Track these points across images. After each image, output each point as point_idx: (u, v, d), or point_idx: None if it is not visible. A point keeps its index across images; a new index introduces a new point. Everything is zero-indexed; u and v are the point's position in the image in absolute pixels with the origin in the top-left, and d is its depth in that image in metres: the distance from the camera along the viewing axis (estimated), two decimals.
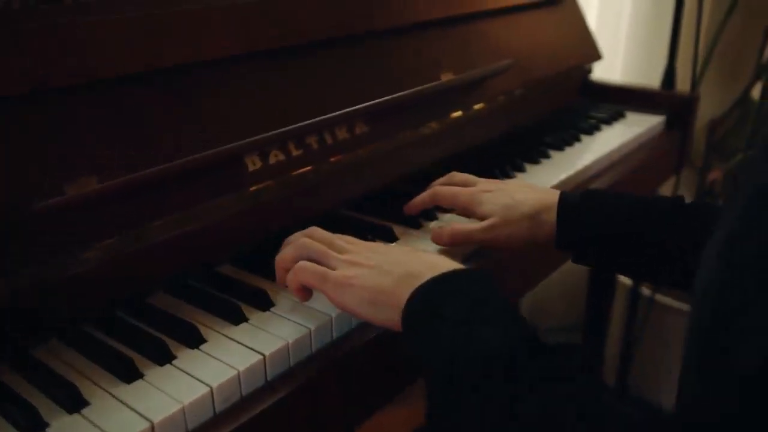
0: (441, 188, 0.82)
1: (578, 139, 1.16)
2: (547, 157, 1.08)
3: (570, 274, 1.53)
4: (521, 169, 1.02)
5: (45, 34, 0.63)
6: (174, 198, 0.70)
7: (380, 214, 0.87)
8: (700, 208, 0.74)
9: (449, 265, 0.59)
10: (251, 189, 0.77)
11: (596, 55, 1.42)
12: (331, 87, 0.87)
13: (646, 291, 1.65)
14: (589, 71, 1.45)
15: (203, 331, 0.63)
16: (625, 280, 1.71)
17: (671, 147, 1.30)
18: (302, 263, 0.64)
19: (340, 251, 0.65)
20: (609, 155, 1.13)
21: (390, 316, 0.58)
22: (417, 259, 0.60)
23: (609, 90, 1.41)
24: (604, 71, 1.55)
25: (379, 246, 0.67)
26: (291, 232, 0.81)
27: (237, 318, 0.65)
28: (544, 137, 1.15)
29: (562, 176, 1.01)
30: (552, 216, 0.75)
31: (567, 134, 1.16)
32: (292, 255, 0.66)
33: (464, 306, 0.53)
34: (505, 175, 1.00)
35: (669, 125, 1.31)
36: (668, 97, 1.33)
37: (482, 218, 0.77)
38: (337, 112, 0.84)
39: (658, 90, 1.37)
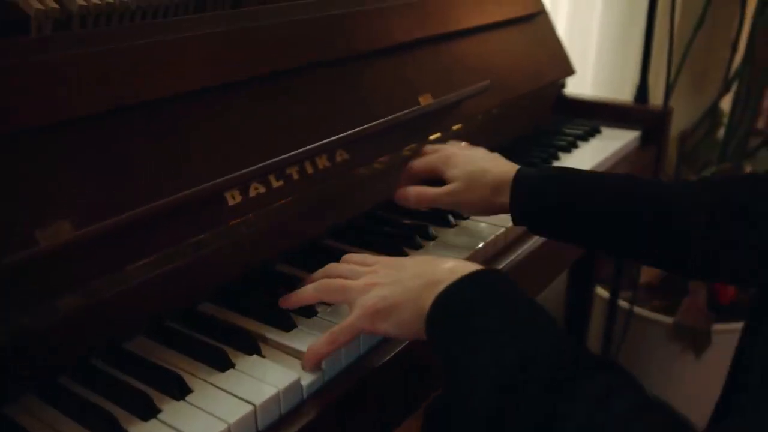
0: (414, 162, 0.88)
1: (556, 158, 1.16)
2: None
3: (549, 288, 1.52)
4: None
5: (11, 71, 0.60)
6: (152, 239, 0.67)
7: (364, 243, 0.85)
8: (652, 183, 0.78)
9: (468, 267, 0.59)
10: (231, 223, 0.74)
11: (569, 70, 1.42)
12: (310, 116, 0.85)
13: (624, 303, 1.66)
14: (563, 86, 1.45)
15: (188, 379, 0.60)
16: (603, 292, 1.71)
17: (647, 161, 1.31)
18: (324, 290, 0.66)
19: (358, 276, 0.65)
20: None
21: (416, 328, 0.58)
22: (435, 267, 0.60)
23: (582, 105, 1.41)
24: (575, 86, 1.56)
25: (395, 261, 0.66)
26: (273, 265, 0.80)
27: (223, 364, 0.62)
28: (522, 156, 1.14)
29: None
30: (507, 188, 0.79)
31: (545, 152, 1.15)
32: (311, 295, 0.67)
33: (495, 307, 0.54)
34: None
35: (644, 140, 1.31)
36: (642, 111, 1.34)
37: (449, 181, 0.83)
38: (318, 143, 0.82)
39: (632, 104, 1.38)
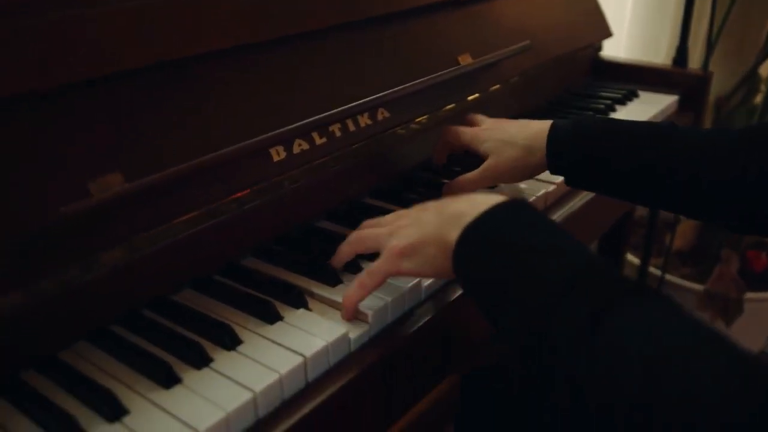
0: (450, 126, 0.87)
1: None
2: None
3: None
4: None
5: (53, 26, 0.60)
6: (198, 193, 0.67)
7: (404, 202, 0.85)
8: (692, 132, 0.74)
9: (490, 200, 0.57)
10: (275, 179, 0.75)
11: (607, 33, 1.40)
12: (352, 74, 0.84)
13: (654, 270, 1.65)
14: (599, 49, 1.43)
15: (238, 331, 0.61)
16: (633, 258, 1.70)
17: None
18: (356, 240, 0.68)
19: (387, 225, 0.66)
20: None
21: (441, 263, 0.58)
22: (456, 203, 0.60)
23: (620, 68, 1.39)
24: (609, 48, 1.53)
25: (421, 205, 0.66)
26: (316, 222, 0.81)
27: (272, 317, 0.63)
28: (557, 116, 1.13)
29: None
30: (543, 143, 0.78)
31: (579, 115, 1.14)
32: (347, 252, 0.68)
33: (524, 233, 0.53)
34: None
35: (682, 104, 1.29)
36: (682, 75, 1.32)
37: (483, 155, 0.82)
38: (359, 101, 0.82)
39: (671, 68, 1.35)
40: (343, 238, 0.71)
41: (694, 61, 1.39)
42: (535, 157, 0.79)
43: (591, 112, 1.15)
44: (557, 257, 0.50)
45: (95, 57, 0.62)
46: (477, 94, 1.04)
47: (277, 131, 0.72)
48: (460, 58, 1.01)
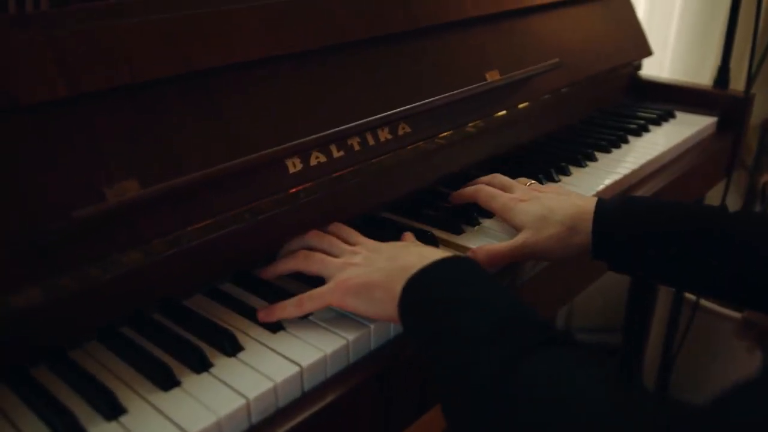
0: (483, 187, 0.84)
1: (625, 141, 1.12)
2: (593, 159, 1.05)
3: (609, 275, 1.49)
4: (566, 173, 0.99)
5: (80, 37, 0.62)
6: (213, 201, 0.69)
7: (422, 218, 0.85)
8: (744, 217, 0.72)
9: (437, 254, 0.62)
10: (291, 191, 0.76)
11: (646, 51, 1.38)
12: (374, 87, 0.85)
13: (690, 295, 1.60)
14: (638, 67, 1.41)
15: (240, 338, 0.63)
16: None
17: (723, 149, 1.26)
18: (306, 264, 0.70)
19: (340, 254, 0.69)
20: (657, 158, 1.09)
21: (387, 310, 0.61)
22: (409, 253, 0.63)
23: (658, 87, 1.36)
24: (652, 67, 1.50)
25: (375, 244, 0.70)
26: None
27: (274, 326, 0.64)
28: (589, 139, 1.12)
29: (608, 181, 0.97)
30: (587, 224, 0.73)
31: (613, 135, 1.12)
32: (290, 266, 0.71)
33: (465, 284, 0.57)
34: (549, 178, 0.97)
35: (721, 126, 1.26)
36: (722, 96, 1.28)
37: (517, 228, 0.77)
38: (379, 115, 0.82)
39: (710, 89, 1.32)
40: None
41: (738, 84, 1.35)
42: (578, 237, 0.73)
43: (622, 132, 1.14)
44: (481, 310, 0.54)
45: (121, 67, 0.64)
46: (504, 111, 1.04)
47: (293, 143, 0.73)
48: (488, 75, 1.01)
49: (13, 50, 0.58)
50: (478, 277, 0.59)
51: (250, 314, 0.66)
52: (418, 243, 0.73)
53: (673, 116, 1.25)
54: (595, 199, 0.76)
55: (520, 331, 0.51)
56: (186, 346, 0.61)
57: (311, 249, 0.72)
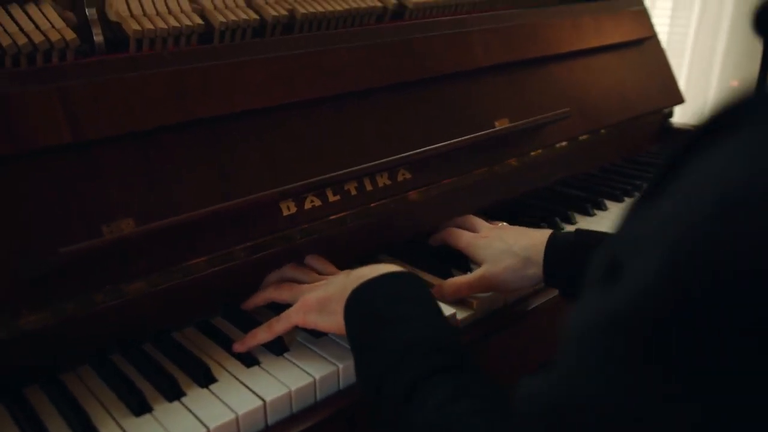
0: (451, 229, 0.88)
1: (640, 190, 1.12)
2: (602, 208, 1.05)
3: None
4: (570, 221, 1.00)
5: (89, 88, 0.69)
6: (206, 240, 0.74)
7: (415, 261, 0.88)
8: None
9: (387, 268, 0.65)
10: (284, 232, 0.80)
11: (677, 99, 1.37)
12: (375, 134, 0.89)
13: None
14: (670, 114, 1.40)
15: (215, 370, 0.67)
16: None
17: None
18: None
19: (311, 282, 0.74)
20: None
21: (339, 321, 0.64)
22: (363, 268, 0.67)
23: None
24: (694, 115, 1.49)
25: (341, 273, 0.73)
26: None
27: (250, 361, 0.68)
28: (603, 187, 1.12)
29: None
30: (540, 256, 0.77)
31: (629, 185, 1.12)
32: (265, 297, 0.77)
33: (389, 304, 0.61)
34: (553, 226, 0.98)
35: None
36: None
37: (479, 262, 0.82)
38: (378, 161, 0.86)
39: None
40: None
41: None
42: (531, 269, 0.77)
43: (639, 182, 1.14)
44: (403, 330, 0.58)
45: (125, 116, 0.71)
46: (514, 159, 1.06)
47: (284, 187, 0.78)
48: (497, 122, 1.03)
49: (26, 100, 0.66)
50: (415, 294, 0.62)
51: (230, 347, 0.70)
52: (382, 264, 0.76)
53: None
54: (550, 232, 0.79)
55: (426, 355, 0.54)
56: (163, 375, 0.66)
57: (288, 280, 0.77)
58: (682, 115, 1.42)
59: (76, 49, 0.78)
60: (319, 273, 0.77)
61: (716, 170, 0.32)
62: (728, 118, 0.33)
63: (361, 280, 0.64)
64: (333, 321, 0.65)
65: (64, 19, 0.79)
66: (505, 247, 0.79)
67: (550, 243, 0.77)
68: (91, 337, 0.69)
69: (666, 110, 1.37)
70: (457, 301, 0.79)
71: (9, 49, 0.73)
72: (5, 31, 0.74)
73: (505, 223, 0.89)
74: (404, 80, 0.94)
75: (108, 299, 0.69)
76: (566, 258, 0.75)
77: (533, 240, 0.78)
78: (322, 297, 0.67)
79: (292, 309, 0.69)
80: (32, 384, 0.66)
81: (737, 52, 1.65)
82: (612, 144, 1.26)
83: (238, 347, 0.69)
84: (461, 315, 0.77)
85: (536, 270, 0.77)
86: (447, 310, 0.75)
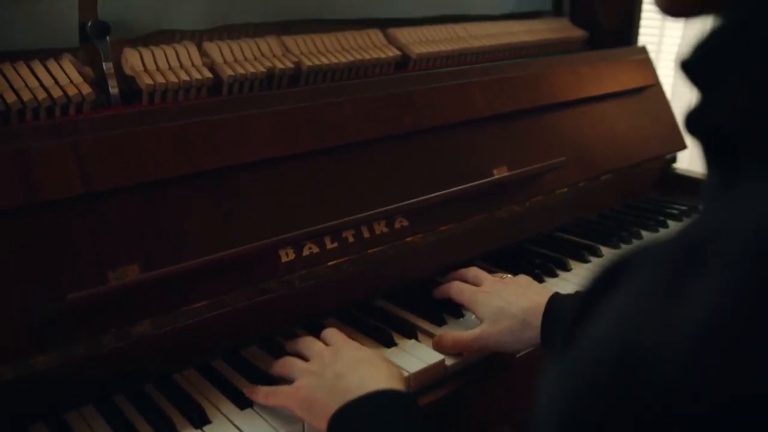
0: (454, 282, 0.89)
1: (638, 237, 1.14)
2: (598, 255, 1.08)
3: None
4: (566, 268, 1.03)
5: (101, 142, 0.74)
6: (208, 285, 0.78)
7: (411, 307, 0.91)
8: None
9: (377, 384, 0.64)
10: (283, 279, 0.84)
11: (679, 145, 1.39)
12: (372, 183, 0.93)
13: None
14: (673, 160, 1.42)
15: (211, 411, 0.70)
16: None
17: None
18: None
19: (310, 356, 0.74)
20: None
21: (321, 427, 0.65)
22: (356, 372, 0.67)
23: (690, 182, 1.37)
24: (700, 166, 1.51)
25: (336, 352, 0.73)
26: (322, 320, 0.89)
27: (244, 403, 0.71)
28: (600, 233, 1.14)
29: None
30: (538, 319, 0.77)
31: (626, 231, 1.14)
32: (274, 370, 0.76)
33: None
34: (549, 273, 1.01)
35: None
36: None
37: (480, 319, 0.82)
38: (375, 210, 0.90)
39: None
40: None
41: None
42: (528, 332, 0.78)
43: (637, 228, 1.16)
44: None
45: (133, 168, 0.75)
46: (513, 205, 1.09)
47: (283, 236, 0.82)
48: (496, 171, 1.07)
49: (42, 155, 0.70)
50: (399, 420, 0.61)
51: (227, 390, 0.74)
52: (369, 355, 0.73)
53: (698, 212, 1.26)
54: (551, 292, 0.80)
55: None
56: (161, 417, 0.69)
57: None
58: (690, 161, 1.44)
59: (93, 101, 0.83)
60: (324, 342, 0.77)
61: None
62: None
63: (348, 396, 0.63)
64: (315, 421, 0.66)
65: (81, 74, 0.84)
66: (504, 306, 0.80)
67: (548, 307, 0.77)
68: (95, 378, 0.73)
69: (668, 156, 1.40)
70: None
71: (29, 103, 0.79)
72: (26, 86, 0.80)
73: (509, 276, 0.90)
74: (404, 131, 0.98)
75: (113, 341, 0.73)
76: (562, 321, 0.76)
77: (532, 302, 0.79)
78: (310, 397, 0.67)
79: (286, 392, 0.69)
80: (38, 422, 0.70)
81: None
82: (613, 190, 1.28)
83: (249, 394, 0.72)
84: (450, 361, 0.80)
85: (533, 333, 0.77)
86: (435, 357, 0.77)
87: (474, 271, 0.92)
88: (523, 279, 0.86)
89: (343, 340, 0.76)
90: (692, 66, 0.33)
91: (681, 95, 1.73)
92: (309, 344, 0.76)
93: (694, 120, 0.34)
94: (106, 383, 0.74)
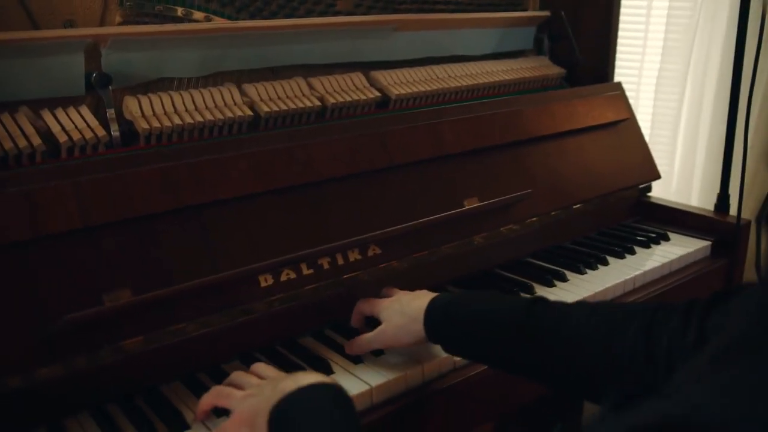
0: (369, 299, 0.98)
1: (604, 263, 1.21)
2: (564, 280, 1.15)
3: None
4: (530, 291, 1.11)
5: (98, 182, 0.84)
6: (191, 308, 0.87)
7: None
8: (566, 308, 0.81)
9: (307, 379, 0.71)
10: (262, 301, 0.93)
11: (652, 175, 1.47)
12: (346, 214, 1.02)
13: None
14: (647, 189, 1.49)
15: (190, 418, 0.79)
16: None
17: (717, 273, 1.31)
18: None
19: (249, 387, 0.78)
20: (633, 280, 1.17)
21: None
22: (288, 379, 0.73)
23: (661, 210, 1.44)
24: (680, 191, 1.58)
25: (276, 375, 0.80)
26: (299, 340, 0.98)
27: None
28: (568, 260, 1.22)
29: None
30: (422, 316, 0.88)
31: (593, 257, 1.22)
32: (207, 401, 0.80)
33: (306, 418, 0.68)
34: (515, 295, 1.09)
35: (715, 251, 1.32)
36: (717, 222, 1.35)
37: (383, 321, 0.93)
38: (349, 239, 0.99)
39: (708, 213, 1.39)
40: (319, 357, 0.90)
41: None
42: (415, 326, 0.89)
43: (604, 255, 1.23)
44: None
45: (125, 205, 0.86)
46: (484, 233, 1.17)
47: (261, 263, 0.91)
48: (467, 201, 1.16)
49: (46, 195, 0.81)
50: (326, 410, 0.68)
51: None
52: (309, 372, 0.82)
53: (666, 238, 1.33)
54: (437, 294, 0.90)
55: None
56: (146, 424, 0.78)
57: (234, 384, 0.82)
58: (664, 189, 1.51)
59: (106, 143, 0.95)
60: (260, 378, 0.81)
61: None
62: None
63: (282, 394, 0.69)
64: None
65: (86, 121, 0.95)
66: (399, 307, 0.92)
67: (430, 304, 0.89)
68: (91, 389, 0.83)
69: (642, 185, 1.47)
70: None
71: (39, 147, 0.90)
72: (51, 131, 0.92)
73: (425, 291, 0.97)
74: (376, 168, 1.07)
75: (107, 356, 0.82)
76: (441, 318, 0.87)
77: (422, 302, 0.90)
78: (251, 413, 0.71)
79: (228, 422, 0.73)
80: (39, 427, 0.79)
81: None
82: (586, 218, 1.36)
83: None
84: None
85: (419, 327, 0.88)
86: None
87: (391, 290, 1.00)
88: (424, 291, 0.95)
89: (275, 371, 0.82)
90: None
91: (661, 125, 1.81)
92: (243, 377, 0.81)
93: None
94: (101, 393, 0.84)
